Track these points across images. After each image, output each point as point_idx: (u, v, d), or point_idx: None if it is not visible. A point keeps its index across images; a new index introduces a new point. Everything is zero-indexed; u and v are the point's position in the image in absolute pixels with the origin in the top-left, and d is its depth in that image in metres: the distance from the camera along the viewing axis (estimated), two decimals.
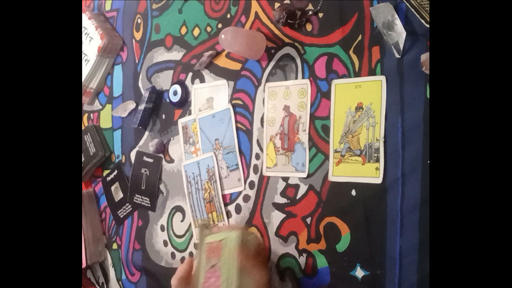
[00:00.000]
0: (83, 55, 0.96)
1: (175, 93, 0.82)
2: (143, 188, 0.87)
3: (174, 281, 0.65)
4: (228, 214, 0.74)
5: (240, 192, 0.73)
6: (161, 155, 0.85)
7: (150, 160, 0.86)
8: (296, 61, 0.68)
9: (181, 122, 0.82)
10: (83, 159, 0.95)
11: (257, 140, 0.72)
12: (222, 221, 0.75)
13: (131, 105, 0.91)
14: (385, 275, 0.57)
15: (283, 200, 0.68)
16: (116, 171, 0.93)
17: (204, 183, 0.78)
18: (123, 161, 0.92)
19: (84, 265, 0.91)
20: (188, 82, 0.82)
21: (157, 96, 0.86)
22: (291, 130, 0.67)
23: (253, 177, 0.72)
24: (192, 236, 0.79)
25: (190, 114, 0.81)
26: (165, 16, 0.87)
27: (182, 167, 0.81)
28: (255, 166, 0.71)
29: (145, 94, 0.86)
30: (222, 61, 0.77)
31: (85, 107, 1.01)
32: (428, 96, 0.55)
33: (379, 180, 0.59)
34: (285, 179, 0.68)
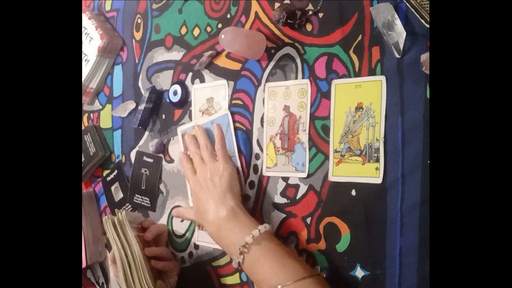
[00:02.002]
0: (83, 55, 0.96)
1: (175, 93, 0.82)
2: (143, 188, 0.87)
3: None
4: None
5: None
6: (161, 155, 0.85)
7: (150, 160, 0.86)
8: (296, 61, 0.68)
9: (180, 130, 0.82)
10: (83, 159, 0.95)
11: (257, 140, 0.72)
12: None
13: (131, 105, 0.91)
14: (385, 275, 0.57)
15: (283, 200, 0.68)
16: (116, 171, 0.93)
17: None
18: (123, 161, 0.92)
19: (84, 265, 0.91)
20: (188, 82, 0.82)
21: (157, 96, 0.86)
22: (291, 130, 0.68)
23: (253, 177, 0.72)
24: (192, 236, 0.79)
25: (190, 114, 0.81)
26: (165, 16, 0.87)
27: None
28: (255, 166, 0.71)
29: (145, 94, 0.86)
30: (222, 61, 0.77)
31: (85, 107, 1.01)
32: (428, 96, 0.55)
33: (379, 180, 0.59)
34: (285, 179, 0.68)
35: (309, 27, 0.67)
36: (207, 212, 0.67)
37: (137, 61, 0.92)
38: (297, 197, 0.66)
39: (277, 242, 0.62)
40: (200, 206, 0.69)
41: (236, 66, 0.75)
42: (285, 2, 0.70)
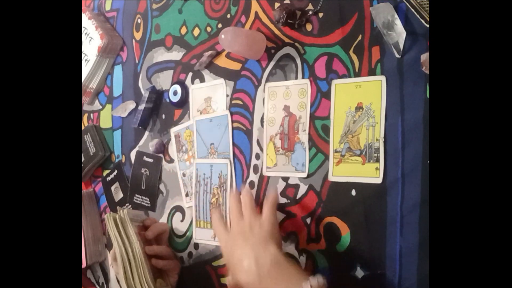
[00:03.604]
0: (83, 55, 0.96)
1: (175, 93, 0.82)
2: (143, 188, 0.87)
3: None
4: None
5: None
6: (161, 155, 0.85)
7: (150, 160, 0.86)
8: (296, 61, 0.68)
9: (173, 131, 0.82)
10: (83, 159, 0.95)
11: (257, 140, 0.72)
12: None
13: (131, 105, 0.91)
14: (385, 275, 0.57)
15: (283, 200, 0.68)
16: (116, 171, 0.93)
17: (214, 188, 0.77)
18: (123, 161, 0.92)
19: (84, 265, 0.91)
20: (188, 82, 0.82)
21: (157, 96, 0.86)
22: (291, 130, 0.68)
23: (253, 177, 0.72)
24: (192, 236, 0.79)
25: (189, 115, 0.81)
26: (165, 16, 0.87)
27: (193, 164, 0.80)
28: (255, 166, 0.71)
29: (145, 94, 0.86)
30: (222, 61, 0.77)
31: (85, 107, 1.01)
32: (428, 96, 0.56)
33: (379, 180, 0.59)
34: (285, 179, 0.68)
35: (309, 27, 0.67)
36: (242, 261, 0.60)
37: (137, 61, 0.92)
38: (297, 197, 0.66)
39: None
40: (234, 258, 0.63)
41: (236, 66, 0.75)
42: (285, 2, 0.70)
